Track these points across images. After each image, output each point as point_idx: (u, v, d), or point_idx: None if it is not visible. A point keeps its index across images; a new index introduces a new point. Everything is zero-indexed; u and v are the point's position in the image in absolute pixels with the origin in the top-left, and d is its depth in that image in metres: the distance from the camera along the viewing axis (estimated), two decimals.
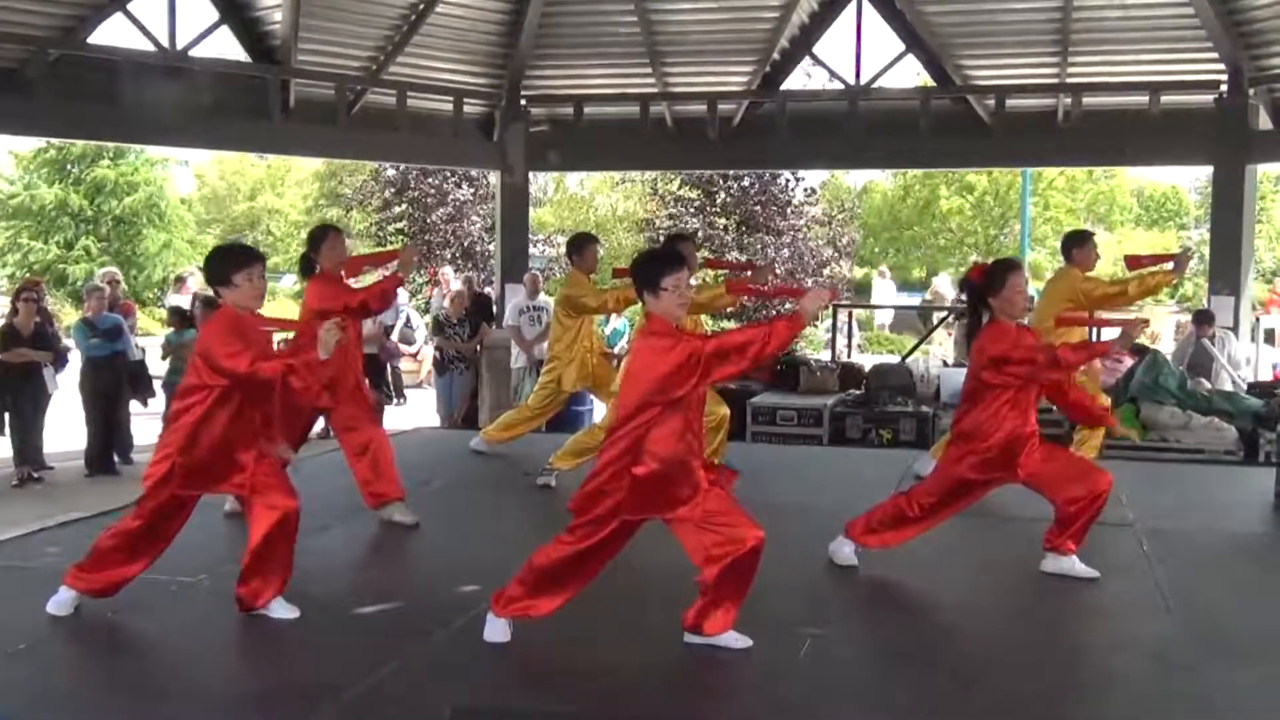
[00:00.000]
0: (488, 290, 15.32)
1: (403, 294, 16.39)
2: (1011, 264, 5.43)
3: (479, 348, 12.23)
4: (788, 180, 23.67)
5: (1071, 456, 5.83)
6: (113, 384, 10.57)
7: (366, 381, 6.74)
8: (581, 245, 8.08)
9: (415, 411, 14.59)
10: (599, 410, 9.74)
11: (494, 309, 13.81)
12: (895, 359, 14.12)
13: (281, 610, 4.73)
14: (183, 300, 12.57)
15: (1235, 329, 12.20)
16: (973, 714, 4.01)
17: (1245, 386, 11.10)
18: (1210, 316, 11.62)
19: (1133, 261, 7.52)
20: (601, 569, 4.39)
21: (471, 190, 23.99)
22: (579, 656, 4.37)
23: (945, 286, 24.31)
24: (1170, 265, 7.38)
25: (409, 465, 6.90)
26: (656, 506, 4.25)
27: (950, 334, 15.46)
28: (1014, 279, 5.26)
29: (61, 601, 4.76)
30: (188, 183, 36.36)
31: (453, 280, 16.35)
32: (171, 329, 11.34)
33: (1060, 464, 5.39)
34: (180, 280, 14.38)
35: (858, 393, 11.27)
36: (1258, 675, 4.32)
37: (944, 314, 15.93)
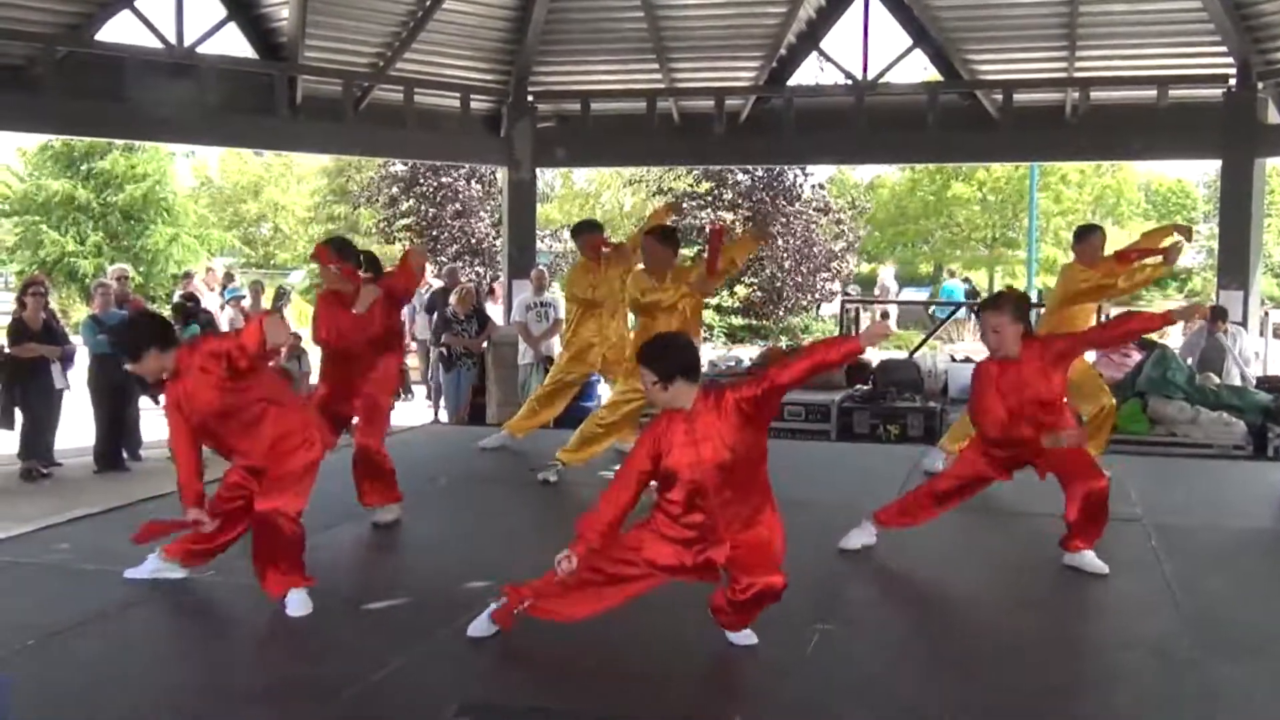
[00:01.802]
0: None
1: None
2: (986, 303, 5.53)
3: (485, 344, 12.24)
4: (795, 176, 23.69)
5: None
6: (121, 380, 10.58)
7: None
8: (579, 234, 8.08)
9: (419, 407, 14.60)
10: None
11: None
12: (903, 354, 14.09)
13: (295, 606, 4.75)
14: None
15: (1244, 323, 12.17)
16: (980, 710, 4.01)
17: (1254, 381, 11.08)
18: (1224, 312, 11.59)
19: (1122, 256, 7.48)
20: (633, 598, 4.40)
21: (480, 187, 24.02)
22: (585, 653, 4.37)
23: (889, 279, 24.50)
24: (1160, 259, 7.39)
25: (416, 461, 6.92)
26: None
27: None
28: (984, 317, 5.42)
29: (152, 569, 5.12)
30: (189, 178, 36.43)
31: (431, 278, 16.22)
32: (176, 325, 11.35)
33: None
34: (188, 276, 14.41)
35: (865, 388, 11.25)
36: (1265, 671, 4.31)
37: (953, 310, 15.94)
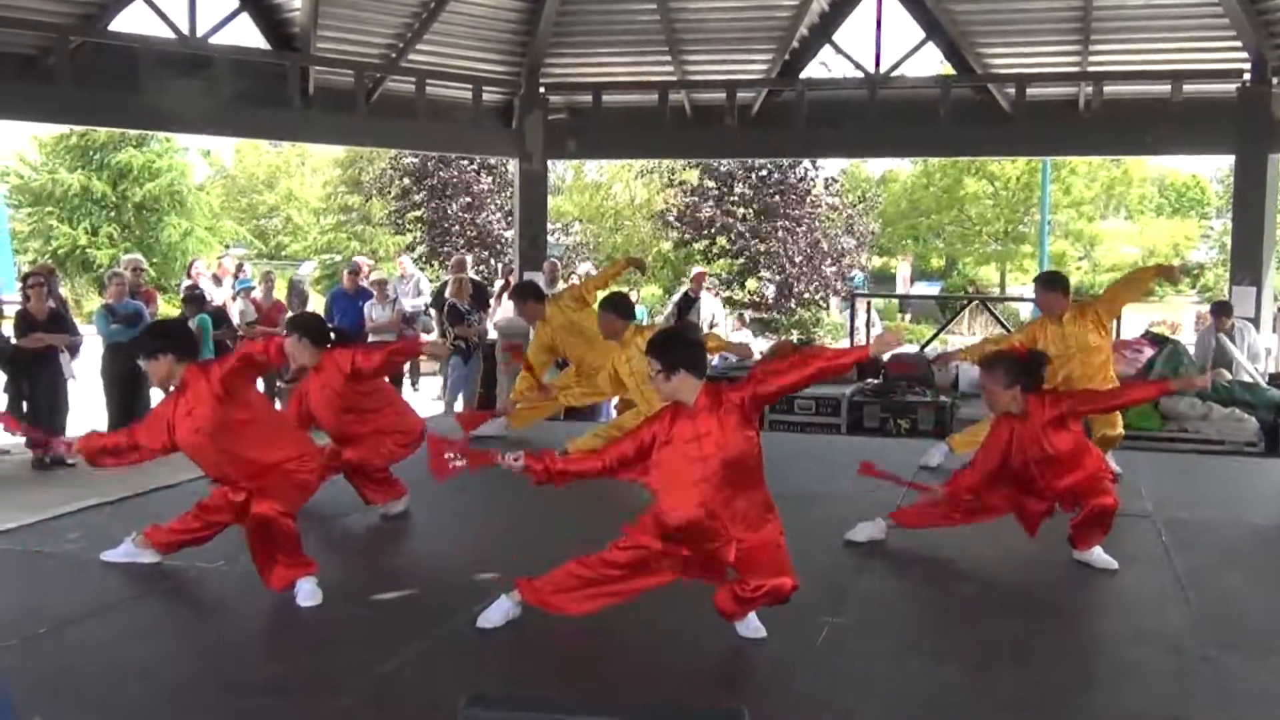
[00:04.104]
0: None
1: (424, 283, 16.39)
2: (983, 362, 5.59)
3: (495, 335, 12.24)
4: (806, 170, 23.64)
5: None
6: (133, 370, 10.57)
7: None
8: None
9: (427, 401, 14.61)
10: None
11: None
12: (914, 348, 14.06)
13: (305, 596, 4.77)
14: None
15: (1256, 320, 12.12)
16: (989, 704, 4.01)
17: (1266, 378, 11.02)
18: (1229, 308, 11.50)
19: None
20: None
21: (491, 179, 24.04)
22: (594, 644, 4.38)
23: (904, 274, 24.31)
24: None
25: (424, 453, 6.92)
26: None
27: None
28: (979, 375, 5.50)
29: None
30: (204, 169, 36.51)
31: (409, 267, 16.19)
32: (189, 315, 11.35)
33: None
34: (191, 266, 14.43)
35: (876, 382, 11.24)
36: (1277, 666, 4.30)
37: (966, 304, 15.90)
